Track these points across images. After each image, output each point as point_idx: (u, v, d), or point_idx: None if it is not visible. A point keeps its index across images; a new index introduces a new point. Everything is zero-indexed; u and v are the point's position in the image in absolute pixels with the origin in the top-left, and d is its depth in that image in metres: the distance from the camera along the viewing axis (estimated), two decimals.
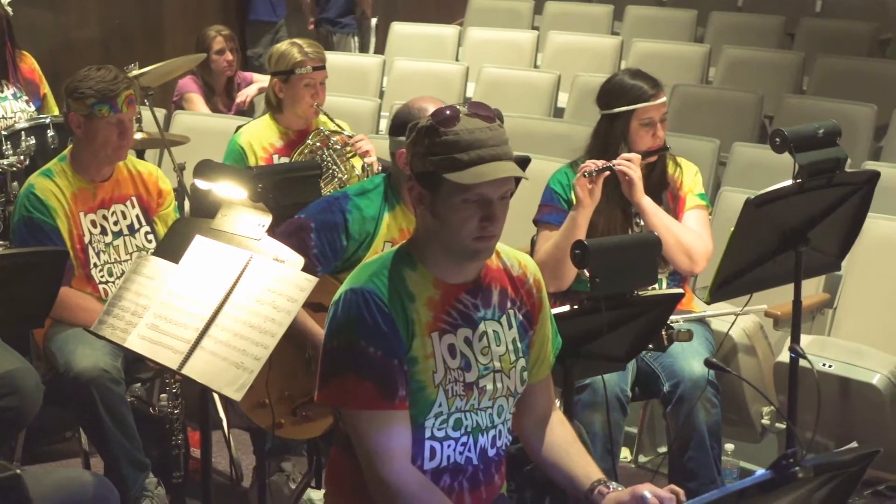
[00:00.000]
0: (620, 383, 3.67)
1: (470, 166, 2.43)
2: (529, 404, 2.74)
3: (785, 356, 3.76)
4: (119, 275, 3.97)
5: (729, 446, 4.05)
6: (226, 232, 3.24)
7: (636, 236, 3.76)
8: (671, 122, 4.41)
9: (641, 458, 4.63)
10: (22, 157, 4.67)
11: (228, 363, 2.88)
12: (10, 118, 4.95)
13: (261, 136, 4.59)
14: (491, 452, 2.64)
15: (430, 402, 2.53)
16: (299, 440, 3.95)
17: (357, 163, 4.49)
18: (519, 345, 2.65)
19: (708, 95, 7.03)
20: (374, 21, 9.68)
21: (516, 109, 6.39)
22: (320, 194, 3.74)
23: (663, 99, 3.91)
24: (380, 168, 4.34)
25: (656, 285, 3.76)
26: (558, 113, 7.22)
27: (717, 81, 7.56)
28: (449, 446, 2.58)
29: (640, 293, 3.07)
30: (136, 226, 4.08)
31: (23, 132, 4.74)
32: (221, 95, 6.67)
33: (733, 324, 3.81)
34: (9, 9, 5.07)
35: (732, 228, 3.32)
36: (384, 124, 6.45)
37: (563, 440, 2.73)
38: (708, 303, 3.70)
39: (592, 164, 3.78)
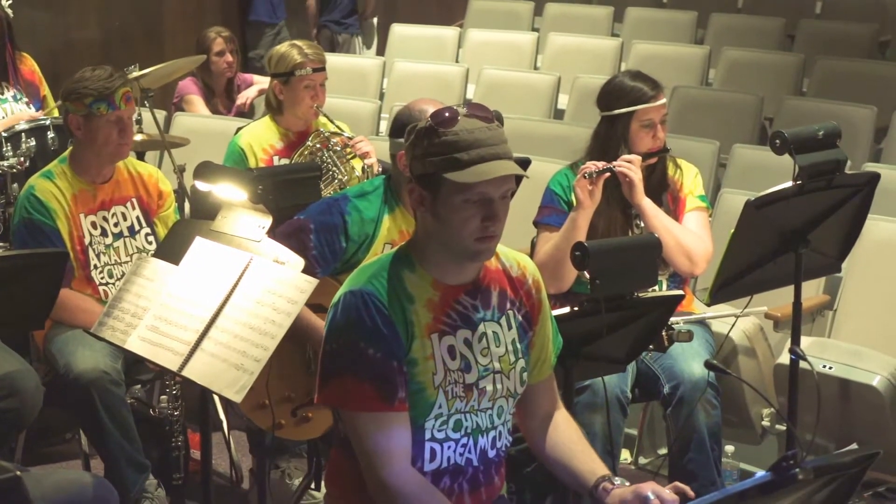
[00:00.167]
0: (620, 385, 3.67)
1: (470, 165, 2.43)
2: (533, 404, 2.74)
3: (785, 358, 3.76)
4: (119, 276, 3.98)
5: (729, 448, 4.05)
6: (226, 233, 3.24)
7: (636, 238, 3.76)
8: (671, 123, 4.42)
9: (641, 460, 4.63)
10: (22, 159, 4.67)
11: (228, 365, 2.88)
12: None
13: (261, 138, 4.59)
14: (491, 454, 2.64)
15: (429, 403, 2.53)
16: (299, 441, 3.96)
17: (357, 164, 4.50)
18: (518, 345, 2.65)
19: (708, 97, 7.04)
20: (375, 20, 9.69)
21: (516, 111, 6.39)
22: (320, 196, 3.74)
23: (663, 100, 3.91)
24: (380, 169, 4.34)
25: (656, 287, 3.77)
26: (558, 114, 7.22)
27: (717, 83, 7.56)
28: (449, 448, 2.58)
29: (640, 295, 3.07)
30: (137, 227, 4.08)
31: (23, 134, 4.74)
32: (221, 97, 6.68)
33: (733, 325, 3.80)
34: (9, 10, 5.07)
35: (732, 230, 3.33)
36: (384, 126, 6.45)
37: (567, 438, 2.73)
38: (708, 304, 3.71)
39: (592, 166, 3.78)
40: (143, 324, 3.09)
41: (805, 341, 3.81)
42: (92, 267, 3.98)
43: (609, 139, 3.89)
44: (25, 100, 5.10)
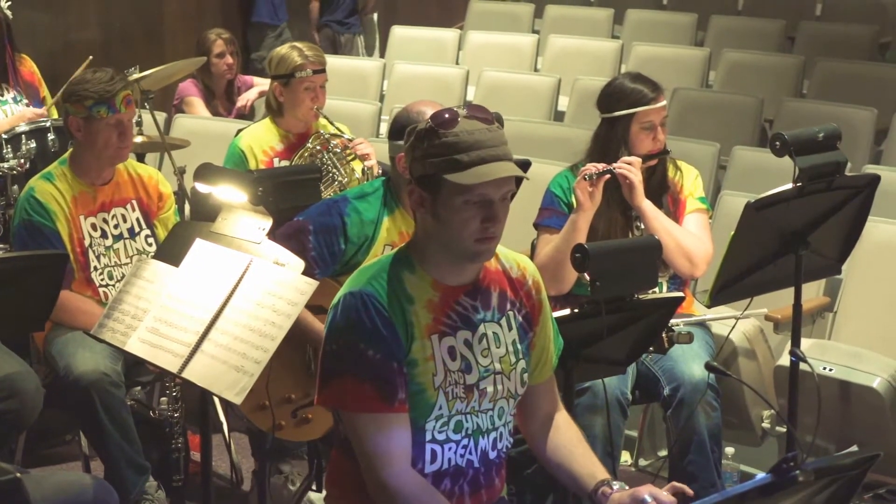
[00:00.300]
0: (621, 386, 3.67)
1: (471, 167, 2.43)
2: (534, 406, 2.74)
3: (785, 360, 3.76)
4: (119, 278, 3.97)
5: (729, 450, 4.05)
6: (226, 235, 3.24)
7: (636, 240, 3.76)
8: (671, 125, 4.42)
9: (642, 462, 4.63)
10: (22, 161, 4.67)
11: (229, 367, 2.88)
12: None
13: (261, 140, 4.59)
14: (492, 455, 2.64)
15: (430, 404, 2.53)
16: (299, 442, 3.95)
17: (357, 166, 4.49)
18: (519, 346, 2.65)
19: (708, 99, 7.04)
20: (375, 16, 9.68)
21: (516, 113, 6.39)
22: (320, 198, 3.74)
23: (663, 102, 3.91)
24: (380, 171, 4.34)
25: (656, 289, 3.77)
26: (558, 116, 7.22)
27: (718, 85, 7.56)
28: (450, 449, 2.57)
29: (640, 297, 3.07)
30: (137, 229, 4.08)
31: (23, 136, 4.74)
32: (221, 99, 6.68)
33: (733, 327, 3.80)
34: (8, 12, 5.07)
35: (733, 232, 3.32)
36: (384, 127, 6.45)
37: (568, 440, 2.73)
38: (708, 306, 3.71)
39: (593, 168, 3.78)
40: (143, 325, 3.09)
41: (805, 343, 3.81)
42: (92, 269, 3.98)
43: (609, 141, 3.89)
44: (25, 101, 5.10)
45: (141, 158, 5.28)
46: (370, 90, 7.57)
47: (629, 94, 3.87)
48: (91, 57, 5.09)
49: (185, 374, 2.95)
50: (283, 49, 4.66)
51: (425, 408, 2.52)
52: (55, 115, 5.00)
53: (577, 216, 3.77)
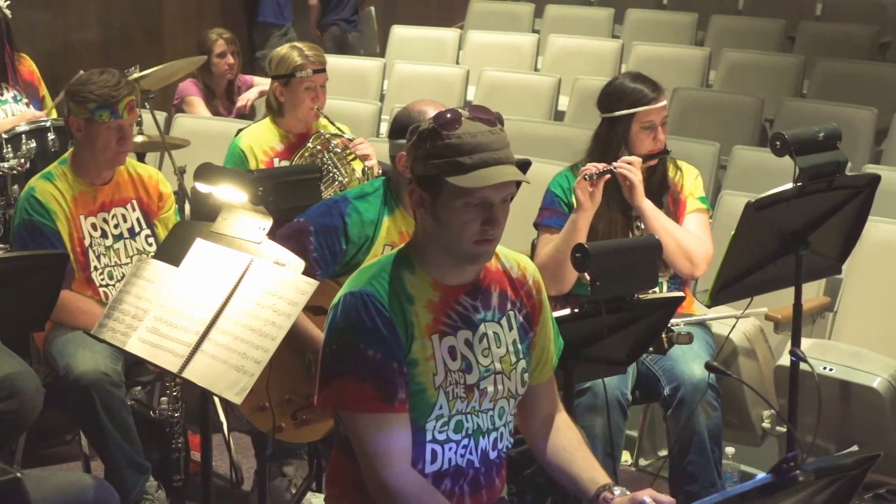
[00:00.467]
0: (621, 386, 3.67)
1: (473, 170, 2.43)
2: (534, 406, 2.74)
3: (785, 359, 3.76)
4: (119, 278, 3.97)
5: (729, 450, 4.05)
6: (226, 235, 3.24)
7: (637, 240, 3.76)
8: (671, 125, 4.42)
9: (642, 462, 4.63)
10: (22, 161, 4.67)
11: (229, 366, 2.88)
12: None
13: (261, 140, 4.59)
14: (492, 455, 2.64)
15: (430, 404, 2.53)
16: (300, 443, 3.95)
17: (357, 166, 4.49)
18: (519, 346, 2.65)
19: (708, 99, 7.04)
20: (372, 10, 9.66)
21: (517, 113, 6.39)
22: (321, 198, 3.74)
23: (664, 102, 3.91)
24: (380, 171, 4.34)
25: (657, 289, 3.77)
26: (559, 116, 7.22)
27: (718, 85, 7.56)
28: (450, 449, 2.57)
29: (640, 297, 3.07)
30: (137, 229, 4.08)
31: (23, 135, 4.74)
32: (222, 98, 6.68)
33: (734, 327, 3.80)
34: (7, 11, 5.07)
35: (733, 232, 3.32)
36: (384, 127, 6.45)
37: (568, 443, 2.73)
38: (708, 306, 3.71)
39: (593, 168, 3.78)
40: (144, 325, 3.09)
41: (805, 343, 3.81)
42: (92, 268, 3.98)
43: (609, 141, 3.89)
44: (25, 101, 5.10)
45: (141, 158, 5.28)
46: (370, 90, 7.57)
47: (629, 94, 3.87)
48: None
49: (185, 374, 2.95)
50: (284, 49, 4.66)
51: (426, 408, 2.52)
52: (55, 116, 4.99)
53: (578, 216, 3.77)
